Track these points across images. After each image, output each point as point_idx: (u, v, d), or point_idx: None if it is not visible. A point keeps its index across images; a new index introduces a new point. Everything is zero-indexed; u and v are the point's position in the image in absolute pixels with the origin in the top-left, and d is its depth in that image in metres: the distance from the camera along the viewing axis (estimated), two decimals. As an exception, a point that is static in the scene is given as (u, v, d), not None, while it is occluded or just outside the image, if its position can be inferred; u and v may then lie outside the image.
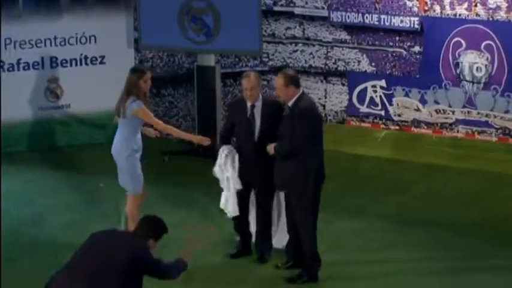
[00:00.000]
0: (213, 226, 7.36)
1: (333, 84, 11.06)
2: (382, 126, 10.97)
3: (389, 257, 7.31)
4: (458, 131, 10.41)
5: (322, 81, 11.15)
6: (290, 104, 6.46)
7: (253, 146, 6.62)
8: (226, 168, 6.61)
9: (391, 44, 10.74)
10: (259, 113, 6.60)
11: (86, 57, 10.88)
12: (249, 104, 6.65)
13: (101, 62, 10.94)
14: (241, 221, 6.90)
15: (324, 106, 11.18)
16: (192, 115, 11.31)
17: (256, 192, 6.81)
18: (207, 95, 10.53)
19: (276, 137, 6.49)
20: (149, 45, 10.68)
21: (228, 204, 6.72)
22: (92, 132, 10.81)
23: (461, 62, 10.09)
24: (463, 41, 10.11)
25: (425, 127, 10.64)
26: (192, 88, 10.99)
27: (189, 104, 11.39)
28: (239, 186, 6.67)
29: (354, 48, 10.84)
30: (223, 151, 6.64)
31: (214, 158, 10.35)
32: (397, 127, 10.68)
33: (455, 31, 10.14)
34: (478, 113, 10.15)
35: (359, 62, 10.83)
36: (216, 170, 6.71)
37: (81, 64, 10.85)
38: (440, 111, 10.36)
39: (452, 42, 10.11)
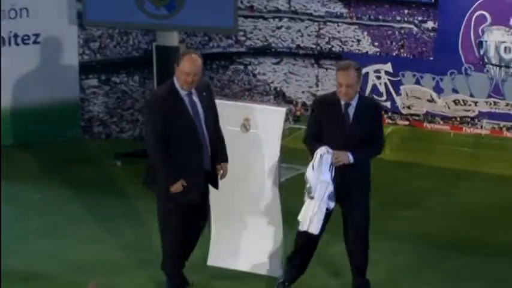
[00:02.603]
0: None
1: (327, 69, 10.95)
2: (388, 121, 10.89)
3: (402, 286, 7.27)
4: (482, 127, 10.37)
5: (313, 66, 11.04)
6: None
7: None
8: (320, 172, 6.33)
9: (398, 18, 10.69)
10: (353, 114, 6.43)
11: (16, 36, 10.68)
12: (343, 103, 6.38)
13: (35, 42, 10.74)
14: (308, 244, 6.73)
15: (315, 96, 10.99)
16: None
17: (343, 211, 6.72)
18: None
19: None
20: (96, 21, 10.58)
21: (313, 217, 6.52)
22: (26, 130, 10.69)
23: (486, 41, 10.01)
24: (487, 15, 10.09)
25: (442, 122, 10.63)
26: (151, 74, 10.87)
27: (147, 93, 11.18)
28: (332, 203, 6.53)
29: (352, 24, 10.75)
30: (321, 150, 6.34)
31: None
32: (407, 122, 10.58)
33: (477, 2, 10.10)
34: (507, 105, 10.05)
35: (358, 41, 10.73)
36: (309, 172, 6.38)
37: (9, 44, 10.61)
38: (459, 102, 10.31)
39: (474, 16, 10.15)
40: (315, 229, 6.57)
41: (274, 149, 7.01)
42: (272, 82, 11.43)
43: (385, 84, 10.78)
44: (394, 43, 10.68)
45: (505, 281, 7.32)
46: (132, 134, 11.42)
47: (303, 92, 11.28)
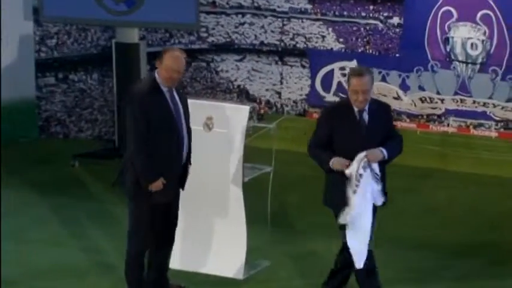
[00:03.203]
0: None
1: (291, 66, 10.93)
2: None
3: None
4: (449, 125, 10.41)
5: (276, 63, 11.01)
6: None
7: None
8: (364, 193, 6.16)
9: (363, 14, 10.77)
10: (367, 119, 6.27)
11: (-32, 32, 10.56)
12: (356, 109, 6.29)
13: (-11, 39, 10.59)
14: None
15: (279, 94, 10.99)
16: (110, 107, 11.24)
17: None
18: (129, 80, 10.25)
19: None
20: (53, 17, 10.47)
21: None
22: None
23: (452, 38, 10.05)
24: (454, 11, 10.20)
25: (408, 120, 10.74)
26: (110, 72, 10.86)
27: (106, 92, 11.21)
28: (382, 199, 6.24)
29: (317, 20, 10.73)
30: (354, 170, 6.05)
31: None
32: (373, 120, 10.52)
33: (444, -2, 10.08)
34: (474, 102, 10.10)
35: (323, 37, 10.72)
36: (354, 199, 6.23)
37: (-39, 41, 10.51)
38: (426, 99, 10.35)
39: (440, 12, 10.19)
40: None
41: (238, 148, 7.00)
42: (235, 80, 11.43)
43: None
44: (359, 39, 10.71)
45: (468, 280, 7.34)
46: (91, 134, 11.35)
47: (267, 89, 11.29)
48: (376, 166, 6.11)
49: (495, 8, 9.87)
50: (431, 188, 9.76)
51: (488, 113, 10.16)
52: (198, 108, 6.95)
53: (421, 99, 10.41)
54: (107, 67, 10.98)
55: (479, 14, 9.94)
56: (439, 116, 10.50)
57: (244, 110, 7.10)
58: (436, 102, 10.42)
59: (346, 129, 6.24)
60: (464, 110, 10.20)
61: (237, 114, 6.99)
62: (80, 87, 11.30)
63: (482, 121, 10.23)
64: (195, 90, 11.24)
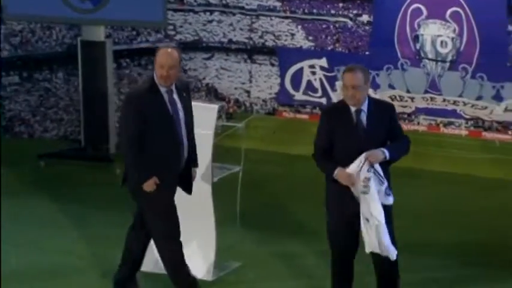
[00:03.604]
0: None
1: (260, 64, 10.93)
2: None
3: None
4: (419, 123, 10.54)
5: (245, 61, 11.01)
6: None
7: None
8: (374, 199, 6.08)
9: (332, 12, 10.78)
10: (365, 120, 6.17)
11: None
12: (353, 109, 6.25)
13: (-49, 37, 10.47)
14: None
15: (248, 93, 10.99)
16: (76, 106, 11.19)
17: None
18: (95, 79, 10.29)
19: None
20: (17, 15, 10.46)
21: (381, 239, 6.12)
22: None
23: (422, 35, 10.10)
24: (423, 8, 10.23)
25: None
26: (76, 71, 10.81)
27: (72, 91, 11.18)
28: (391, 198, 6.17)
29: (286, 17, 10.73)
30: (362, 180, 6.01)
31: (106, 160, 10.22)
32: (343, 119, 10.56)
33: (413, -5, 10.13)
34: (444, 100, 10.17)
35: (292, 35, 10.74)
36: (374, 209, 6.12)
37: None
38: (396, 97, 10.40)
39: (410, 10, 10.26)
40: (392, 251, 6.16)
41: (207, 148, 6.99)
42: (203, 78, 11.42)
43: (320, 79, 10.83)
44: (329, 37, 10.73)
45: (438, 280, 7.40)
46: (56, 134, 11.29)
47: (235, 88, 11.29)
48: (378, 167, 6.01)
49: (465, 6, 9.94)
50: (402, 187, 9.71)
51: (458, 111, 10.22)
52: (166, 107, 6.91)
53: (391, 97, 10.46)
54: (73, 66, 10.93)
55: (448, 12, 10.00)
56: (409, 115, 10.55)
57: (212, 109, 7.10)
58: (406, 101, 10.47)
59: (343, 130, 6.16)
60: (435, 108, 10.25)
61: (206, 114, 6.98)
62: (44, 86, 11.24)
63: (452, 119, 10.30)
64: (162, 89, 11.23)
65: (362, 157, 5.95)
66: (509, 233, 8.33)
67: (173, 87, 6.32)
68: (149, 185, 6.25)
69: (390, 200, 6.12)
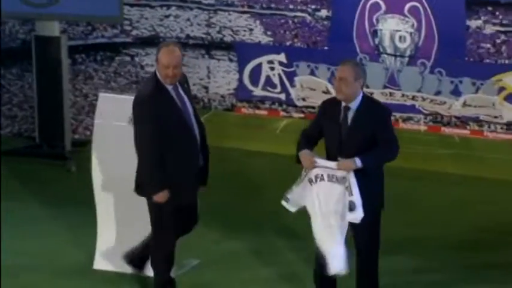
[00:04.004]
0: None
1: (218, 59, 10.93)
2: (283, 113, 11.06)
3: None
4: (378, 119, 10.39)
5: (203, 56, 11.01)
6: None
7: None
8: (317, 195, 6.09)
9: (291, 6, 10.80)
10: (351, 118, 6.14)
11: None
12: (343, 105, 6.20)
13: None
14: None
15: (206, 89, 11.00)
16: (30, 102, 11.09)
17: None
18: (50, 75, 10.26)
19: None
20: None
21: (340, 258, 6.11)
22: None
23: (381, 30, 10.15)
24: (381, 3, 10.31)
25: None
26: (30, 66, 10.75)
27: (26, 87, 11.17)
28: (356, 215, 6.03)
29: (244, 12, 10.72)
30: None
31: (61, 158, 10.17)
32: (302, 115, 10.68)
33: (372, -10, 10.18)
34: (403, 95, 10.24)
35: (251, 30, 10.75)
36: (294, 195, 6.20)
37: None
38: (355, 93, 10.33)
39: (368, 5, 10.32)
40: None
41: (164, 145, 6.97)
42: (161, 74, 11.40)
43: (279, 75, 10.85)
44: (287, 32, 10.76)
45: (395, 275, 7.45)
46: (10, 131, 11.21)
47: (193, 84, 11.29)
48: (352, 177, 5.94)
49: (423, 0, 10.02)
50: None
51: (417, 106, 10.31)
52: (123, 104, 6.92)
53: (350, 92, 10.46)
54: (27, 61, 10.84)
55: (407, 6, 10.08)
56: (368, 110, 10.57)
57: (170, 105, 7.06)
58: (365, 96, 10.49)
59: (329, 124, 6.18)
60: (393, 103, 10.32)
61: (163, 110, 6.95)
62: (-3, 83, 11.14)
63: (411, 115, 10.38)
64: (119, 85, 11.19)
65: (333, 164, 5.95)
66: (467, 229, 8.43)
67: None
68: (160, 197, 6.20)
69: (350, 217, 5.99)
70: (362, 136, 6.05)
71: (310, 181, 6.05)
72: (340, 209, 6.02)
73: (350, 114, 6.09)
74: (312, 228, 6.17)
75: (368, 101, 6.18)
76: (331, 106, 6.19)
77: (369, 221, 6.03)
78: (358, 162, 5.93)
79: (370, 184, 6.02)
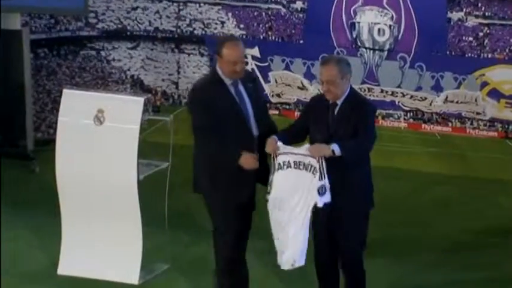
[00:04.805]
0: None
1: (188, 54, 10.87)
2: None
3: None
4: (356, 115, 10.41)
5: (173, 51, 10.95)
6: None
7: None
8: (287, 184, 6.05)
9: (265, -2, 10.58)
10: (337, 113, 5.94)
11: None
12: (330, 102, 6.00)
13: None
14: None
15: (176, 84, 10.93)
16: None
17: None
18: (11, 70, 10.02)
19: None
20: None
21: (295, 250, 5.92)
22: None
23: (359, 23, 10.14)
24: (360, -6, 10.12)
25: None
26: (-11, 61, 10.41)
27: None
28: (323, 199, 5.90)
29: (216, 4, 10.68)
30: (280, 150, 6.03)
31: (24, 158, 10.05)
32: (276, 111, 10.62)
33: (349, -19, 10.20)
34: (382, 91, 10.24)
35: (223, 23, 10.68)
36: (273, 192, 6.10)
37: None
38: (332, 89, 10.35)
39: (346, -4, 10.13)
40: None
41: (132, 144, 6.91)
42: (128, 69, 11.36)
43: (253, 70, 10.84)
44: (261, 25, 10.75)
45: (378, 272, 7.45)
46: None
47: (163, 80, 11.26)
48: (323, 162, 5.99)
49: (403, -8, 10.04)
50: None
51: (397, 102, 10.34)
52: (88, 101, 6.84)
53: (326, 88, 10.48)
54: (-14, 56, 10.69)
55: (386, -2, 10.09)
56: (345, 106, 10.58)
57: (138, 102, 7.01)
58: (343, 92, 10.50)
59: (316, 120, 5.97)
60: (373, 99, 10.34)
61: (131, 107, 6.90)
62: (-44, 79, 10.99)
63: (391, 111, 10.40)
64: (84, 80, 11.14)
65: (305, 147, 5.98)
66: (448, 229, 8.46)
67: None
68: (247, 161, 5.79)
69: (320, 201, 5.99)
70: (347, 131, 6.03)
71: (279, 167, 6.07)
72: (304, 196, 6.04)
73: (336, 111, 6.09)
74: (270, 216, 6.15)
75: (353, 96, 5.97)
76: (319, 103, 6.18)
77: (354, 220, 6.03)
78: (335, 148, 5.88)
79: (354, 182, 6.03)
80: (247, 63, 10.22)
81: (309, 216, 6.02)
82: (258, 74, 9.94)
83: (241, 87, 6.14)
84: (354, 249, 6.28)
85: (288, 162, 6.02)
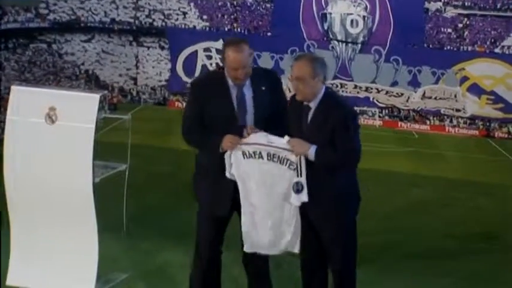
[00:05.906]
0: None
1: (148, 47, 10.94)
2: None
3: None
4: (328, 113, 10.51)
5: (131, 44, 11.01)
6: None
7: None
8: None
9: (230, -13, 10.64)
10: (311, 117, 6.08)
11: None
12: (305, 104, 6.13)
13: None
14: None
15: (134, 80, 10.99)
16: None
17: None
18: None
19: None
20: None
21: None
22: None
23: (330, 14, 10.26)
24: (331, -17, 10.21)
25: None
26: None
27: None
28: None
29: (177, -7, 10.71)
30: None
31: None
32: (243, 109, 10.69)
33: (320, -31, 10.30)
34: (355, 87, 10.37)
35: (184, 14, 10.76)
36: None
37: None
38: (302, 84, 10.45)
39: (316, -15, 10.22)
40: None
41: (87, 144, 6.94)
42: (82, 64, 11.38)
43: (217, 64, 10.90)
44: (225, 17, 10.82)
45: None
46: None
47: (120, 75, 11.29)
48: (303, 159, 5.94)
49: (377, -20, 10.13)
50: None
51: (371, 99, 10.46)
52: (39, 98, 6.86)
53: (296, 84, 10.57)
54: None
55: (359, -13, 10.18)
56: (316, 103, 10.68)
57: (93, 99, 7.05)
58: (314, 88, 10.60)
59: (293, 122, 6.13)
60: (346, 96, 10.43)
61: (85, 104, 6.93)
62: None
63: (365, 108, 10.51)
64: (34, 76, 11.13)
65: (285, 140, 6.01)
66: (426, 235, 8.57)
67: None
68: (228, 142, 6.02)
69: (296, 199, 5.99)
70: (321, 137, 6.05)
71: (244, 155, 6.11)
72: (280, 190, 6.10)
73: (310, 114, 6.11)
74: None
75: (329, 100, 6.09)
76: (296, 103, 6.22)
77: (341, 234, 6.05)
78: (312, 150, 5.89)
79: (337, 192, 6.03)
80: (210, 57, 10.11)
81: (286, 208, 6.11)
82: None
83: (247, 91, 6.17)
84: (345, 258, 6.36)
85: (260, 153, 6.06)
